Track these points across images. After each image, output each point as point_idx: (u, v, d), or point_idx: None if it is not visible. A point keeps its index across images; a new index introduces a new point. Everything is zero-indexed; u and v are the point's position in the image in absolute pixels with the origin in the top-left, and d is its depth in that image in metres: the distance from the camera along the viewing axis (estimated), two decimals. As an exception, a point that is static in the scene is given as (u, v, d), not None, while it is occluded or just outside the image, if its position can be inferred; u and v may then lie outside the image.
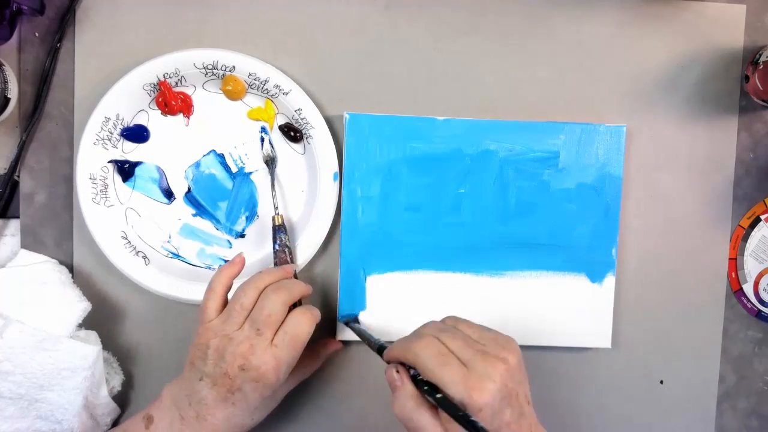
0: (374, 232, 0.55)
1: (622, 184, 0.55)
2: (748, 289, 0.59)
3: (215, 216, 0.56)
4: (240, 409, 0.46)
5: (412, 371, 0.41)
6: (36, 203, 0.55)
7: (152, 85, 0.52)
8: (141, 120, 0.54)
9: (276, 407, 0.50)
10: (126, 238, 0.54)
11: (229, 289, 0.49)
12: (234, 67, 0.52)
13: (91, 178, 0.53)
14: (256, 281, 0.48)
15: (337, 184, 0.54)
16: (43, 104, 0.54)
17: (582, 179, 0.55)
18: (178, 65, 0.52)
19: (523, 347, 0.44)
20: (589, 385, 0.59)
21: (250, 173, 0.56)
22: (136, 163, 0.54)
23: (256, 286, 0.47)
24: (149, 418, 0.47)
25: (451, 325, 0.44)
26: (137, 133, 0.54)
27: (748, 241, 0.59)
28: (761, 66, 0.53)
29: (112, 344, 0.55)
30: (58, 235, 0.55)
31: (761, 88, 0.53)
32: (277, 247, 0.53)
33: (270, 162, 0.55)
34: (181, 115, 0.54)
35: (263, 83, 0.53)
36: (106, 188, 0.54)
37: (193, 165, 0.55)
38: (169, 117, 0.54)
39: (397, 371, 0.42)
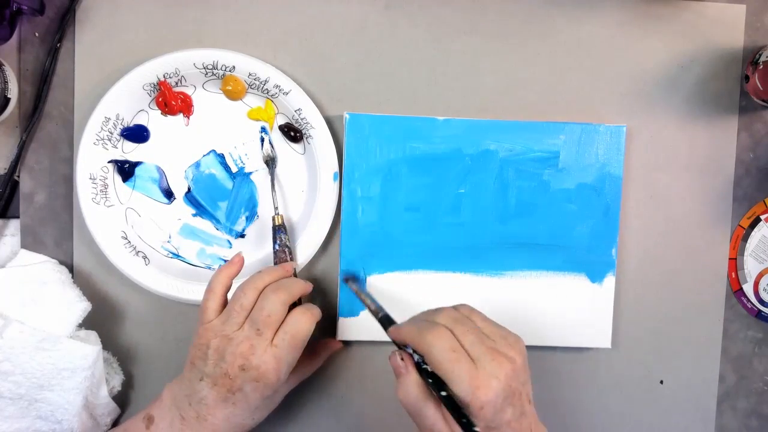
0: (374, 232, 0.55)
1: (622, 184, 0.56)
2: (748, 289, 0.59)
3: (215, 216, 0.56)
4: (240, 409, 0.46)
5: (416, 357, 0.42)
6: (36, 203, 0.55)
7: (152, 85, 0.52)
8: (141, 120, 0.54)
9: (276, 407, 0.50)
10: (126, 238, 0.54)
11: (228, 289, 0.49)
12: (234, 67, 0.52)
13: (91, 178, 0.53)
14: (255, 281, 0.48)
15: (337, 184, 0.54)
16: (43, 104, 0.54)
17: (582, 179, 0.55)
18: (178, 65, 0.52)
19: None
20: (589, 385, 0.59)
21: (250, 173, 0.56)
22: (136, 163, 0.54)
23: (255, 286, 0.47)
24: (150, 418, 0.47)
25: (466, 315, 0.44)
26: (137, 133, 0.54)
27: (748, 241, 0.59)
28: (761, 66, 0.53)
29: (112, 344, 0.55)
30: (58, 235, 0.55)
31: (761, 88, 0.53)
32: (277, 247, 0.53)
33: (270, 162, 0.55)
34: (181, 115, 0.54)
35: (263, 83, 0.53)
36: (106, 188, 0.54)
37: (193, 165, 0.55)
38: (169, 117, 0.54)
39: (402, 358, 0.42)
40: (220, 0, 0.54)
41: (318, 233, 0.54)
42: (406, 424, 0.58)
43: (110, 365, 0.55)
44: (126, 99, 0.52)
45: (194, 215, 0.56)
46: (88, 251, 0.55)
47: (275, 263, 0.54)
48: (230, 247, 0.56)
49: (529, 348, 0.56)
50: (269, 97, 0.54)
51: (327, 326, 0.56)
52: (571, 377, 0.58)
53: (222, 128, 0.55)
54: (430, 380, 0.40)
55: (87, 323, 0.52)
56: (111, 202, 0.54)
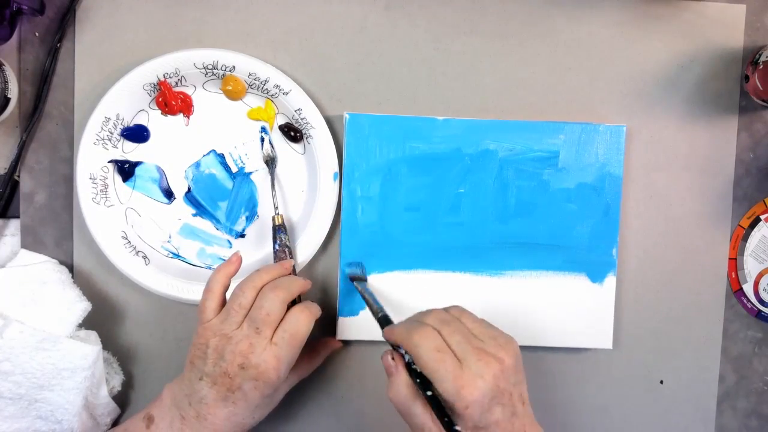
0: (374, 232, 0.55)
1: (622, 184, 0.56)
2: (748, 289, 0.59)
3: (215, 216, 0.56)
4: (240, 408, 0.46)
5: (407, 357, 0.42)
6: (36, 203, 0.55)
7: (152, 85, 0.53)
8: (141, 120, 0.54)
9: (276, 406, 0.50)
10: (126, 238, 0.54)
11: (226, 288, 0.49)
12: (234, 67, 0.52)
13: (91, 178, 0.53)
14: (253, 280, 0.48)
15: (337, 184, 0.54)
16: (43, 104, 0.54)
17: (582, 179, 0.55)
18: (178, 65, 0.52)
19: (523, 347, 0.44)
20: (589, 385, 0.59)
21: (250, 173, 0.56)
22: (136, 163, 0.54)
23: (253, 285, 0.47)
24: (150, 417, 0.47)
25: (456, 316, 0.44)
26: (137, 133, 0.54)
27: (748, 241, 0.59)
28: (761, 66, 0.53)
29: (112, 344, 0.56)
30: (58, 235, 0.55)
31: (761, 88, 0.53)
32: (277, 247, 0.53)
33: (270, 162, 0.55)
34: (181, 115, 0.54)
35: (263, 83, 0.53)
36: (106, 188, 0.54)
37: (193, 165, 0.55)
38: (169, 117, 0.54)
39: (393, 358, 0.43)
40: (220, 0, 0.54)
41: (318, 233, 0.54)
42: (406, 424, 0.58)
43: (110, 365, 0.55)
44: (126, 99, 0.52)
45: (194, 215, 0.56)
46: (88, 251, 0.55)
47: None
48: (230, 247, 0.56)
49: (530, 348, 0.56)
50: (269, 97, 0.54)
51: (327, 326, 0.56)
52: (571, 377, 0.58)
53: (222, 128, 0.55)
54: (417, 380, 0.41)
55: (87, 323, 0.52)
56: (111, 202, 0.54)
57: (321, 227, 0.54)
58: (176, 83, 0.53)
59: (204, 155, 0.55)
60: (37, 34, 0.54)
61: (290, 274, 0.51)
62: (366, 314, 0.55)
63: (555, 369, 0.58)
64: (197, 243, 0.56)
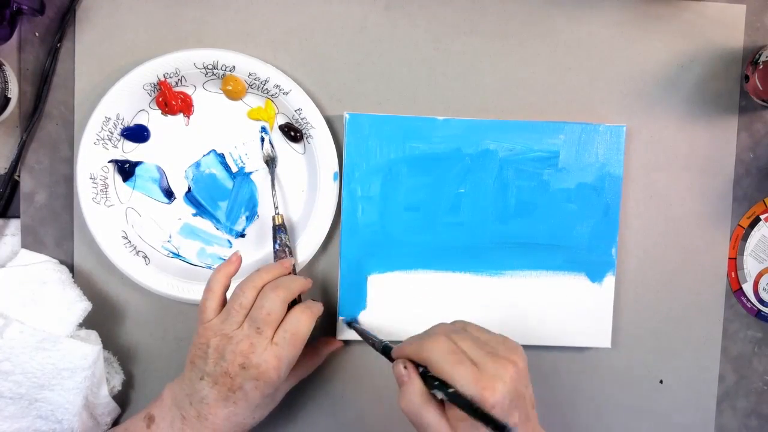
0: (374, 232, 0.55)
1: (622, 184, 0.56)
2: (747, 288, 0.59)
3: (215, 216, 0.56)
4: (241, 407, 0.46)
5: (420, 369, 0.41)
6: (36, 203, 0.55)
7: (152, 85, 0.53)
8: (141, 120, 0.54)
9: (276, 406, 0.50)
10: (126, 238, 0.54)
11: (227, 288, 0.49)
12: (234, 67, 0.52)
13: (91, 178, 0.53)
14: (254, 280, 0.48)
15: (337, 183, 0.54)
16: (43, 104, 0.54)
17: (582, 179, 0.55)
18: (178, 65, 0.52)
19: (523, 347, 0.44)
20: (589, 385, 0.59)
21: (250, 173, 0.56)
22: (137, 163, 0.54)
23: (254, 285, 0.47)
24: (150, 417, 0.47)
25: (460, 327, 0.44)
26: (137, 133, 0.54)
27: (748, 240, 0.59)
28: (761, 66, 0.53)
29: (112, 344, 0.56)
30: (59, 234, 0.55)
31: (761, 88, 0.53)
32: (277, 246, 0.53)
33: (270, 162, 0.55)
34: (181, 115, 0.54)
35: (263, 83, 0.53)
36: (106, 188, 0.54)
37: (194, 165, 0.55)
38: (169, 117, 0.54)
39: (405, 367, 0.42)
40: (220, 0, 0.54)
41: (318, 233, 0.54)
42: (406, 424, 0.58)
43: (110, 365, 0.55)
44: (126, 99, 0.52)
45: (194, 215, 0.56)
46: (88, 251, 0.55)
47: (275, 263, 0.54)
48: (230, 247, 0.56)
49: (529, 348, 0.56)
50: (269, 97, 0.54)
51: (327, 326, 0.56)
52: (571, 377, 0.58)
53: (222, 128, 0.55)
54: (437, 382, 0.39)
55: (87, 323, 0.52)
56: (111, 201, 0.54)
57: (321, 227, 0.54)
58: (176, 83, 0.53)
59: (204, 155, 0.55)
60: (37, 34, 0.54)
61: (290, 273, 0.52)
62: (366, 314, 0.55)
63: (554, 368, 0.58)
64: (197, 243, 0.56)
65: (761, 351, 0.60)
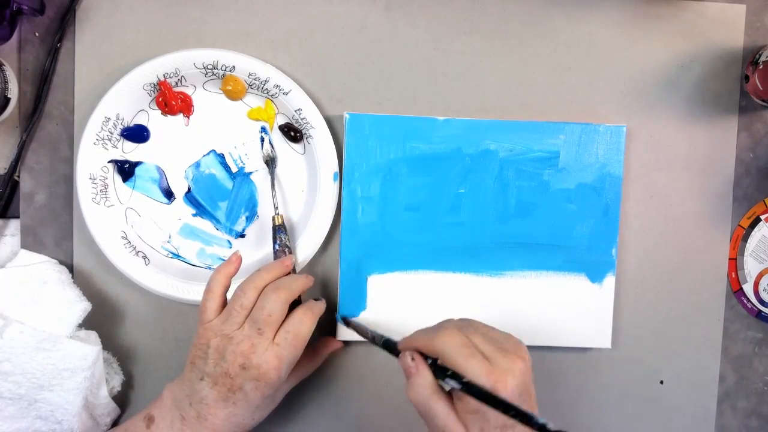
0: (374, 232, 0.55)
1: (622, 184, 0.56)
2: (748, 289, 0.59)
3: (215, 216, 0.56)
4: (241, 408, 0.46)
5: (429, 360, 0.42)
6: (36, 203, 0.55)
7: (152, 85, 0.53)
8: (141, 120, 0.54)
9: (276, 407, 0.50)
10: (126, 238, 0.54)
11: (227, 288, 0.49)
12: (234, 67, 0.52)
13: (91, 178, 0.53)
14: (254, 280, 0.48)
15: (337, 184, 0.54)
16: (43, 104, 0.54)
17: (582, 179, 0.55)
18: (178, 65, 0.52)
19: (524, 347, 0.44)
20: (589, 385, 0.59)
21: (250, 173, 0.56)
22: (136, 163, 0.54)
23: (254, 286, 0.47)
24: (150, 417, 0.47)
25: (467, 324, 0.44)
26: (137, 133, 0.54)
27: (748, 241, 0.59)
28: (761, 66, 0.53)
29: (112, 344, 0.56)
30: (58, 235, 0.55)
31: (761, 88, 0.53)
32: (277, 247, 0.53)
33: (270, 162, 0.55)
34: (181, 115, 0.54)
35: (263, 83, 0.53)
36: (106, 188, 0.54)
37: (193, 165, 0.55)
38: (169, 117, 0.54)
39: (413, 358, 0.42)
40: (220, 0, 0.54)
41: (318, 233, 0.54)
42: (406, 424, 0.58)
43: (110, 365, 0.55)
44: (126, 99, 0.52)
45: (194, 215, 0.56)
46: (88, 251, 0.55)
47: (275, 263, 0.54)
48: (230, 247, 0.56)
49: (529, 348, 0.56)
50: (269, 97, 0.54)
51: (327, 326, 0.56)
52: (571, 377, 0.58)
53: (222, 128, 0.55)
54: (449, 372, 0.40)
55: (87, 323, 0.52)
56: (111, 202, 0.54)
57: (321, 227, 0.54)
58: (176, 83, 0.53)
59: (204, 155, 0.55)
60: (37, 34, 0.54)
61: (291, 271, 0.52)
62: (366, 314, 0.55)
63: (555, 368, 0.58)
64: (197, 243, 0.56)
65: (761, 351, 0.60)
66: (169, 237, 0.55)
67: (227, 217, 0.56)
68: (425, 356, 0.42)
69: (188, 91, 0.54)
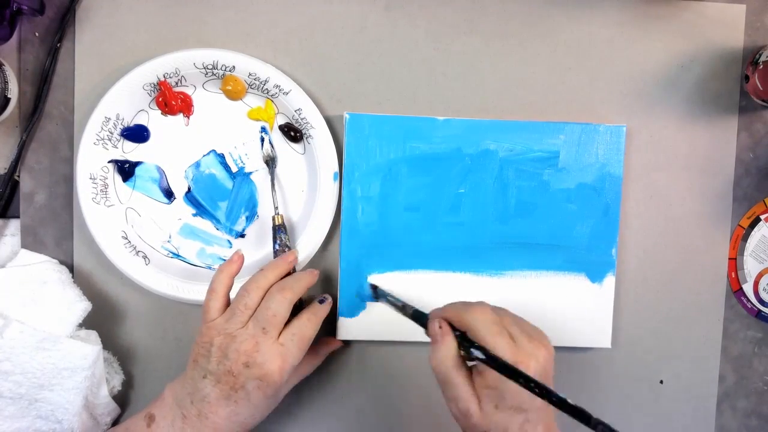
0: (374, 232, 0.55)
1: (622, 184, 0.56)
2: (748, 289, 0.59)
3: (215, 216, 0.56)
4: (242, 407, 0.46)
5: (456, 333, 0.43)
6: (36, 203, 0.55)
7: (152, 85, 0.53)
8: (141, 120, 0.54)
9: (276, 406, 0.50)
10: (126, 238, 0.54)
11: (230, 288, 0.49)
12: (234, 67, 0.52)
13: (91, 178, 0.53)
14: (258, 280, 0.48)
15: (337, 184, 0.54)
16: (43, 104, 0.54)
17: (582, 179, 0.55)
18: (178, 65, 0.52)
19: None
20: (589, 385, 0.59)
21: (250, 173, 0.56)
22: (136, 163, 0.54)
23: (258, 286, 0.48)
24: (151, 416, 0.47)
25: (499, 307, 0.45)
26: (137, 133, 0.54)
27: (748, 241, 0.59)
28: (761, 66, 0.53)
29: (112, 344, 0.56)
30: (58, 235, 0.55)
31: (761, 88, 0.53)
32: (277, 247, 0.53)
33: (270, 162, 0.55)
34: (181, 115, 0.54)
35: (263, 83, 0.53)
36: (106, 188, 0.54)
37: (193, 165, 0.55)
38: (169, 117, 0.54)
39: (440, 327, 0.43)
40: (220, 0, 0.54)
41: (318, 233, 0.54)
42: (406, 424, 0.58)
43: (110, 365, 0.55)
44: (126, 99, 0.52)
45: (194, 215, 0.56)
46: (88, 251, 0.55)
47: (275, 263, 0.54)
48: (230, 247, 0.56)
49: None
50: (269, 97, 0.54)
51: (327, 326, 0.56)
52: (571, 377, 0.58)
53: (222, 128, 0.55)
54: (475, 345, 0.41)
55: (87, 323, 0.52)
56: (111, 201, 0.54)
57: (321, 227, 0.54)
58: (176, 83, 0.53)
59: (204, 155, 0.55)
60: (37, 34, 0.54)
61: (294, 267, 0.52)
62: (366, 314, 0.55)
63: (555, 368, 0.58)
64: (197, 243, 0.56)
65: (761, 351, 0.60)
66: (169, 237, 0.55)
67: (227, 217, 0.56)
68: (453, 328, 0.43)
69: (188, 91, 0.54)
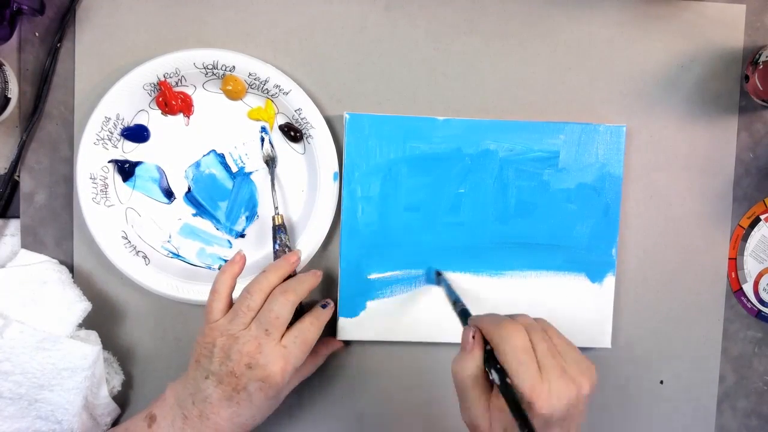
0: (374, 232, 0.55)
1: (622, 184, 0.56)
2: (748, 289, 0.59)
3: (215, 216, 0.56)
4: (244, 408, 0.46)
5: (488, 346, 0.41)
6: (36, 203, 0.55)
7: (152, 85, 0.53)
8: (141, 120, 0.54)
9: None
10: (126, 238, 0.54)
11: (232, 289, 0.49)
12: (234, 67, 0.52)
13: (91, 178, 0.53)
14: (261, 282, 0.48)
15: (337, 184, 0.54)
16: (43, 104, 0.54)
17: (582, 179, 0.55)
18: (178, 65, 0.52)
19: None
20: (589, 385, 0.59)
21: (250, 173, 0.56)
22: (137, 163, 0.54)
23: (261, 288, 0.48)
24: (152, 417, 0.47)
25: (543, 327, 0.42)
26: (137, 133, 0.54)
27: (748, 241, 0.59)
28: (761, 66, 0.53)
29: (112, 344, 0.56)
30: (58, 235, 0.55)
31: (761, 88, 0.53)
32: (277, 247, 0.53)
33: (270, 162, 0.55)
34: (181, 115, 0.54)
35: (263, 83, 0.53)
36: (106, 188, 0.54)
37: (193, 165, 0.55)
38: (169, 117, 0.54)
39: (473, 336, 0.41)
40: (220, 0, 0.54)
41: (318, 233, 0.54)
42: (407, 424, 0.58)
43: (110, 365, 0.55)
44: (126, 99, 0.52)
45: (194, 215, 0.56)
46: (88, 251, 0.55)
47: (275, 263, 0.54)
48: (230, 247, 0.56)
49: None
50: (269, 97, 0.54)
51: (327, 326, 0.56)
52: (571, 377, 0.58)
53: (222, 128, 0.55)
54: (499, 366, 0.39)
55: (87, 323, 0.52)
56: (111, 201, 0.54)
57: (321, 227, 0.54)
58: (176, 83, 0.53)
59: (204, 155, 0.55)
60: (37, 34, 0.54)
61: (296, 268, 0.52)
62: (366, 314, 0.55)
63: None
64: (197, 243, 0.56)
65: (761, 351, 0.60)
66: (169, 237, 0.55)
67: (227, 216, 0.56)
68: (486, 341, 0.41)
69: (188, 91, 0.54)
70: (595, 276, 0.56)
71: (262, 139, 0.55)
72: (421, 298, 0.55)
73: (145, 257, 0.54)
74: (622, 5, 0.56)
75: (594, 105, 0.56)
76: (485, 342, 0.41)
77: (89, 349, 0.50)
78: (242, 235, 0.56)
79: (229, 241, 0.56)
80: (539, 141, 0.55)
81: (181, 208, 0.55)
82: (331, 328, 0.56)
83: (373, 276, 0.55)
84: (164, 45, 0.53)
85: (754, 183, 0.58)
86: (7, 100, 0.51)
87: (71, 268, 0.55)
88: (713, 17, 0.56)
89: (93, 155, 0.53)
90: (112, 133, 0.53)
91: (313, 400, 0.57)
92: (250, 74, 0.53)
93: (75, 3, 0.53)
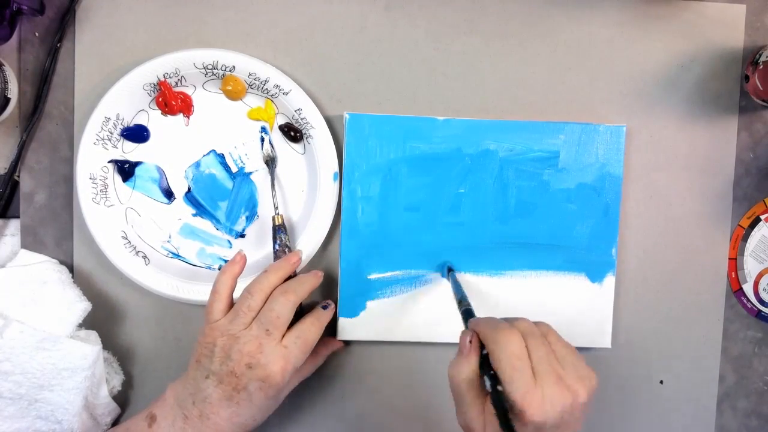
0: (374, 232, 0.55)
1: (622, 184, 0.56)
2: (748, 289, 0.59)
3: (215, 216, 0.56)
4: (244, 408, 0.46)
5: (484, 351, 0.40)
6: (36, 203, 0.55)
7: (152, 85, 0.52)
8: (141, 120, 0.54)
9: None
10: (126, 238, 0.54)
11: (233, 289, 0.49)
12: (234, 67, 0.52)
13: (91, 178, 0.53)
14: (261, 282, 0.48)
15: (337, 184, 0.54)
16: (43, 104, 0.54)
17: (582, 179, 0.55)
18: (178, 65, 0.52)
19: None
20: (589, 385, 0.59)
21: (250, 173, 0.56)
22: (136, 163, 0.54)
23: (261, 288, 0.48)
24: (152, 416, 0.47)
25: (543, 332, 0.42)
26: (137, 133, 0.54)
27: (748, 241, 0.59)
28: (761, 66, 0.53)
29: (112, 344, 0.56)
30: (58, 235, 0.55)
31: (761, 88, 0.53)
32: (277, 247, 0.53)
33: (270, 162, 0.55)
34: (181, 115, 0.54)
35: (263, 83, 0.53)
36: (106, 188, 0.54)
37: (193, 165, 0.55)
38: (169, 117, 0.54)
39: (470, 341, 0.41)
40: (220, 0, 0.54)
41: (318, 233, 0.54)
42: (406, 424, 0.58)
43: (110, 365, 0.55)
44: (126, 99, 0.52)
45: (194, 215, 0.56)
46: (88, 251, 0.55)
47: (275, 263, 0.54)
48: (230, 247, 0.56)
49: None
50: (269, 97, 0.54)
51: (327, 326, 0.56)
52: (571, 377, 0.58)
53: (222, 128, 0.55)
54: (492, 373, 0.39)
55: (87, 323, 0.52)
56: (111, 202, 0.54)
57: (321, 227, 0.54)
58: (176, 83, 0.53)
59: (204, 155, 0.55)
60: (37, 34, 0.54)
61: (297, 269, 0.52)
62: (366, 314, 0.55)
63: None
64: (197, 243, 0.56)
65: (761, 351, 0.60)
66: (169, 237, 0.55)
67: (227, 217, 0.56)
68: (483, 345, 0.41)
69: (188, 91, 0.54)
70: (595, 276, 0.56)
71: (262, 139, 0.55)
72: (422, 299, 0.55)
73: (145, 257, 0.54)
74: (622, 5, 0.56)
75: (594, 105, 0.56)
76: (482, 347, 0.41)
77: (89, 349, 0.50)
78: (242, 235, 0.56)
79: (229, 241, 0.56)
80: (539, 141, 0.55)
81: (181, 208, 0.55)
82: (331, 328, 0.56)
83: (373, 276, 0.55)
84: (164, 45, 0.53)
85: (754, 183, 0.58)
86: (7, 100, 0.51)
87: (71, 268, 0.55)
88: (713, 17, 0.56)
89: (93, 155, 0.53)
90: (112, 133, 0.53)
91: (313, 400, 0.57)
92: (250, 74, 0.53)
93: (75, 3, 0.53)
